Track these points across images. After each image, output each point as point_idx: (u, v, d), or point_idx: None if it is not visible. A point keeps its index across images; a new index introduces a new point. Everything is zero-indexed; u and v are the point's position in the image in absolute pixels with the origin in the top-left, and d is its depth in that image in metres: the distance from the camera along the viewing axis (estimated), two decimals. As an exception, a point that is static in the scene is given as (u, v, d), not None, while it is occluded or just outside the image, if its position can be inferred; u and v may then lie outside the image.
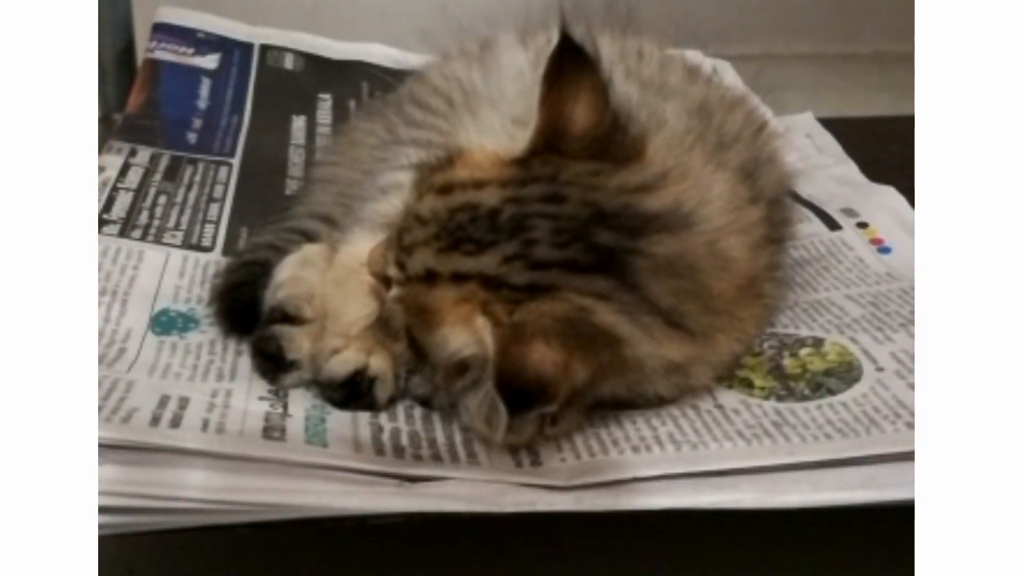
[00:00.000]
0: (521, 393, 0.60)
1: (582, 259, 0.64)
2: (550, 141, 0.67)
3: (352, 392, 0.74)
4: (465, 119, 0.90)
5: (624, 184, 0.66)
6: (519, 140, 0.70)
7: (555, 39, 0.94)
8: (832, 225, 1.04)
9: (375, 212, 0.84)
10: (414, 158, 0.87)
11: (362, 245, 0.81)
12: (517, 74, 0.92)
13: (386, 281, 0.71)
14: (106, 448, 0.60)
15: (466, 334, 0.64)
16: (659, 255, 0.65)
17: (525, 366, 0.60)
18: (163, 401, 0.69)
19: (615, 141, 0.67)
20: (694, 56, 1.19)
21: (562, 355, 0.60)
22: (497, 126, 0.81)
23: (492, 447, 0.68)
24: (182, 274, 0.91)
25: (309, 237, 0.90)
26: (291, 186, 1.09)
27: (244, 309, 0.81)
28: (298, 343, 0.76)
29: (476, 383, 0.66)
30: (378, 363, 0.75)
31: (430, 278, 0.65)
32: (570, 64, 0.67)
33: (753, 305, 0.74)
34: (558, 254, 0.64)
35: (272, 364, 0.76)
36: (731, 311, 0.70)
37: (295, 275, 0.81)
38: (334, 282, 0.80)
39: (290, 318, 0.78)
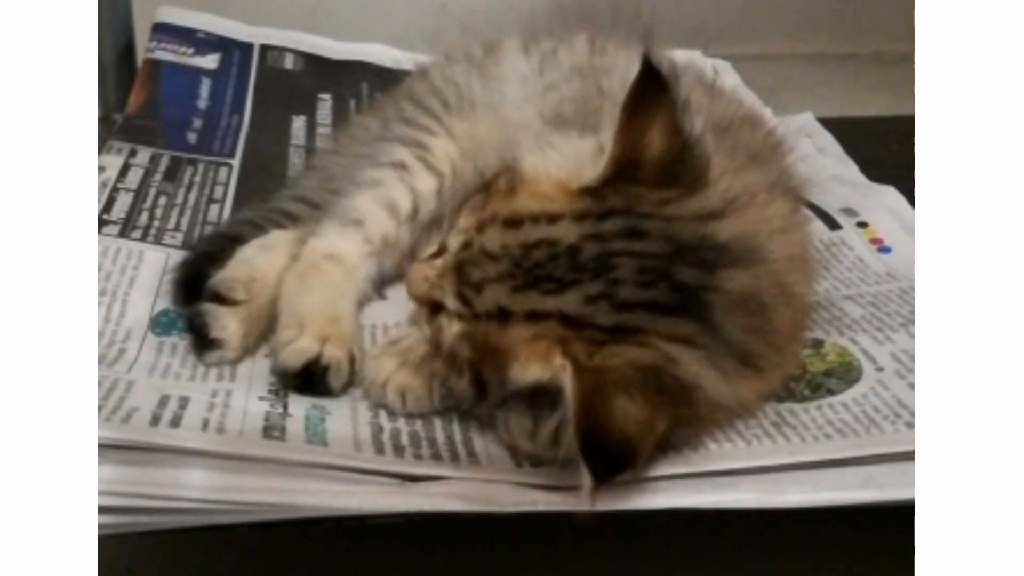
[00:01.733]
0: (607, 459, 0.58)
1: (666, 300, 0.62)
2: (623, 169, 0.65)
3: (306, 380, 0.74)
4: (457, 122, 0.90)
5: (698, 211, 0.65)
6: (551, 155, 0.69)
7: (559, 47, 0.95)
8: (832, 225, 1.04)
9: (348, 207, 0.85)
10: (397, 156, 0.88)
11: (330, 239, 0.83)
12: (521, 80, 0.92)
13: (431, 305, 0.69)
14: (106, 448, 0.60)
15: (541, 371, 0.62)
16: (733, 291, 0.64)
17: (610, 428, 0.58)
18: (163, 401, 0.69)
19: (686, 165, 0.65)
20: (693, 56, 1.19)
21: (646, 411, 0.59)
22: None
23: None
24: (182, 274, 0.91)
25: (291, 217, 0.91)
26: (291, 187, 1.10)
27: (196, 281, 0.82)
28: (223, 323, 0.77)
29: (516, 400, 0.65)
30: (331, 352, 0.75)
31: (503, 316, 0.64)
32: (649, 91, 0.64)
33: (802, 337, 0.74)
34: (643, 295, 0.62)
35: (199, 340, 0.78)
36: (788, 345, 0.70)
37: (244, 258, 0.82)
38: (296, 274, 0.81)
39: (220, 298, 0.79)
